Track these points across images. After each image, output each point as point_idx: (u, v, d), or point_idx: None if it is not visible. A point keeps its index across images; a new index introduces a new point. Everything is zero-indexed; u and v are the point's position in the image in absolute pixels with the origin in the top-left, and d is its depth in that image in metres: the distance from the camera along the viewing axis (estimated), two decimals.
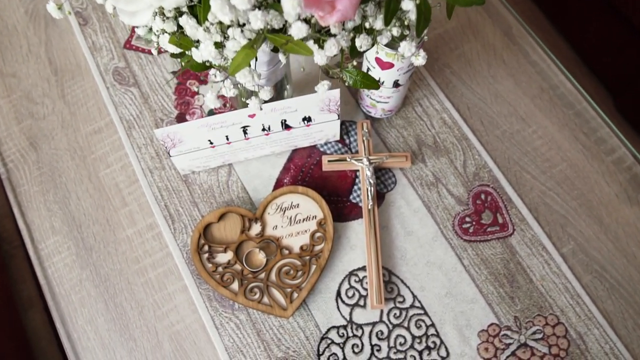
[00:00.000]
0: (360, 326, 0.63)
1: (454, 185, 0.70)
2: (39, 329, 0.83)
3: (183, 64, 0.39)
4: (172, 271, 0.66)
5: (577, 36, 1.47)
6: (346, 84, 0.42)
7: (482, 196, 0.69)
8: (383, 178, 0.70)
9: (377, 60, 0.59)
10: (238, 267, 0.64)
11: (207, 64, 0.36)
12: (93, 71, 0.78)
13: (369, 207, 0.65)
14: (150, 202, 0.69)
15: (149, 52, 0.79)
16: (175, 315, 0.64)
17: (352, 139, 0.72)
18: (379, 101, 0.67)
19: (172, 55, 0.41)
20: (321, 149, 0.71)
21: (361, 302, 0.64)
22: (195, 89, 0.76)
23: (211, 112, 0.74)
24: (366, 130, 0.70)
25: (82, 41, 0.80)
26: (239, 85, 0.37)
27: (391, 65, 0.58)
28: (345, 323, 0.63)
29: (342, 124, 0.73)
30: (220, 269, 0.64)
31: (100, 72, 0.78)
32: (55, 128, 0.74)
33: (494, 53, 0.79)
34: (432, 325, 0.63)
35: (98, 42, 0.80)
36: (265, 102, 0.62)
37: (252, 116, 0.61)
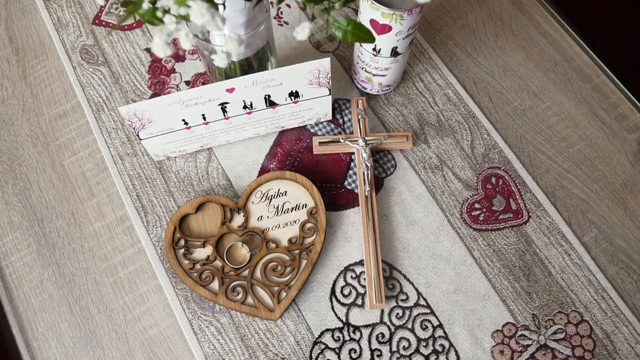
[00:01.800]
0: (358, 328, 0.55)
1: (461, 168, 0.62)
2: None
3: (125, 12, 0.31)
4: (144, 269, 0.59)
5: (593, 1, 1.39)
6: (334, 32, 0.35)
7: (493, 180, 0.62)
8: (382, 161, 0.62)
9: (373, 23, 0.51)
10: (218, 263, 0.56)
11: (155, 8, 0.29)
12: (58, 49, 0.70)
13: (366, 194, 0.58)
14: (121, 192, 0.62)
15: (121, 28, 0.71)
16: (149, 319, 0.56)
17: (346, 118, 0.64)
18: (376, 74, 0.60)
19: (122, 4, 0.33)
20: (312, 130, 0.64)
21: (359, 301, 0.56)
22: (171, 67, 0.69)
23: None
24: (362, 108, 0.62)
25: (47, 17, 0.72)
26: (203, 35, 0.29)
27: (389, 29, 0.51)
28: (341, 325, 0.55)
29: (334, 102, 0.65)
30: (198, 266, 0.56)
31: (66, 50, 0.70)
32: (15, 112, 0.67)
33: (502, 23, 0.71)
34: (440, 325, 0.55)
35: (64, 18, 0.72)
36: (245, 72, 0.55)
37: (230, 91, 0.53)
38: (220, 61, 0.30)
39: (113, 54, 0.70)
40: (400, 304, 0.56)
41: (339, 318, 0.56)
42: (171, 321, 0.56)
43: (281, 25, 0.71)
